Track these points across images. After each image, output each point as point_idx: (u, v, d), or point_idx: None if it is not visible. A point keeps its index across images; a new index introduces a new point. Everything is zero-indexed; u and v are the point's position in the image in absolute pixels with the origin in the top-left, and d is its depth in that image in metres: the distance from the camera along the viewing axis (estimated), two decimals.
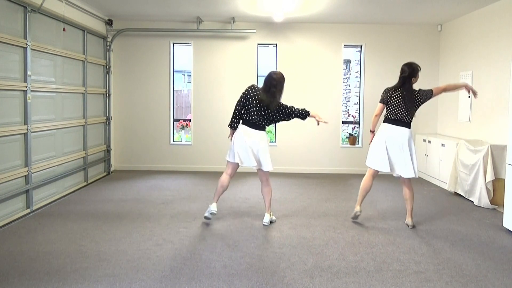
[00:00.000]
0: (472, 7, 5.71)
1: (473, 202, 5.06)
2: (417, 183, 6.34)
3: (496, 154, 4.86)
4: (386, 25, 6.98)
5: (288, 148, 7.17)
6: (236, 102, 4.07)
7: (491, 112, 5.43)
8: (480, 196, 4.90)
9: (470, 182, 5.12)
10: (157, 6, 5.95)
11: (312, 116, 4.12)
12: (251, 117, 4.00)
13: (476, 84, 5.80)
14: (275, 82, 3.98)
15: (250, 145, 3.99)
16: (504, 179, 4.25)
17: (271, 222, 4.19)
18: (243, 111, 4.05)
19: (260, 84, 4.14)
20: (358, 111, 7.37)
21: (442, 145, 6.03)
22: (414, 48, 7.02)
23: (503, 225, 4.07)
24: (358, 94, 7.46)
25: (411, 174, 4.00)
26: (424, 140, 6.70)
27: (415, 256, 3.34)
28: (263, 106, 3.97)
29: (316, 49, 7.05)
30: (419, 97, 4.12)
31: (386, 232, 3.95)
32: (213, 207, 4.10)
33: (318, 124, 4.16)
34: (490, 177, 4.82)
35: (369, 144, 4.27)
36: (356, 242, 3.66)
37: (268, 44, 7.15)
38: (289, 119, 4.10)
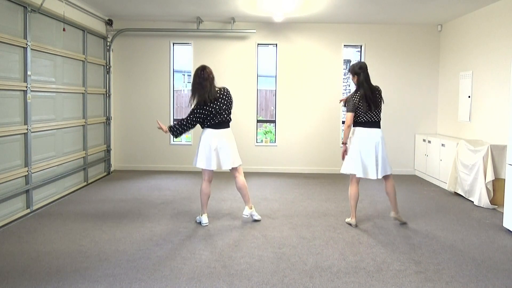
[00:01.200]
0: (472, 7, 5.71)
1: (473, 202, 5.06)
2: (417, 183, 6.35)
3: (496, 154, 4.86)
4: (386, 25, 6.98)
5: (288, 148, 7.17)
6: (194, 114, 3.96)
7: (491, 112, 5.43)
8: (480, 196, 4.90)
9: (470, 182, 5.12)
10: (157, 6, 5.95)
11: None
12: (217, 119, 3.98)
13: (476, 84, 5.80)
14: (206, 74, 3.93)
15: (222, 146, 4.02)
16: (504, 179, 4.25)
17: (255, 220, 4.22)
18: (203, 121, 4.00)
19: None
20: None
21: (442, 145, 6.03)
22: (414, 48, 7.02)
23: (503, 225, 4.07)
24: None
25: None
26: (424, 140, 6.70)
27: (415, 256, 3.34)
28: (217, 102, 3.96)
29: (316, 49, 7.05)
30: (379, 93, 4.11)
31: (386, 232, 3.95)
32: (205, 219, 4.10)
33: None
34: (490, 177, 4.81)
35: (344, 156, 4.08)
36: (356, 242, 3.66)
37: (268, 44, 7.15)
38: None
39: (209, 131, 4.01)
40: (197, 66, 4.03)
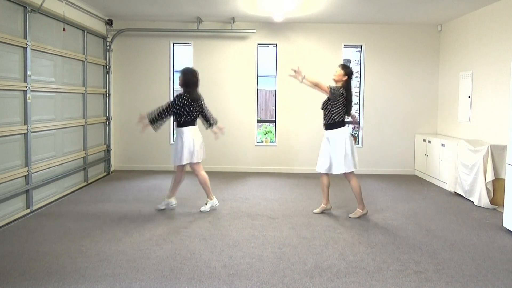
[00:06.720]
0: (472, 7, 5.71)
1: (473, 202, 5.06)
2: (417, 183, 6.35)
3: (496, 154, 4.86)
4: (386, 25, 6.98)
5: (288, 148, 7.16)
6: (167, 105, 4.38)
7: (491, 112, 5.43)
8: (480, 196, 4.90)
9: (470, 182, 5.12)
10: (157, 6, 5.95)
11: (214, 129, 4.74)
12: (193, 117, 4.47)
13: (476, 84, 5.81)
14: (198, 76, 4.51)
15: (199, 142, 4.51)
16: (504, 179, 4.25)
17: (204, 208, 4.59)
18: (177, 117, 4.42)
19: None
20: (358, 111, 7.37)
21: (442, 145, 6.03)
22: (414, 48, 7.02)
23: (503, 225, 4.07)
24: (358, 94, 7.45)
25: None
26: (424, 140, 6.70)
27: (415, 256, 3.34)
28: (197, 102, 4.48)
29: (316, 49, 7.05)
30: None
31: (386, 232, 3.95)
32: (174, 201, 4.67)
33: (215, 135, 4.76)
34: (490, 177, 4.81)
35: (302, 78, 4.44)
36: (356, 242, 3.66)
37: (268, 44, 7.15)
38: (205, 115, 4.67)
39: None
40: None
